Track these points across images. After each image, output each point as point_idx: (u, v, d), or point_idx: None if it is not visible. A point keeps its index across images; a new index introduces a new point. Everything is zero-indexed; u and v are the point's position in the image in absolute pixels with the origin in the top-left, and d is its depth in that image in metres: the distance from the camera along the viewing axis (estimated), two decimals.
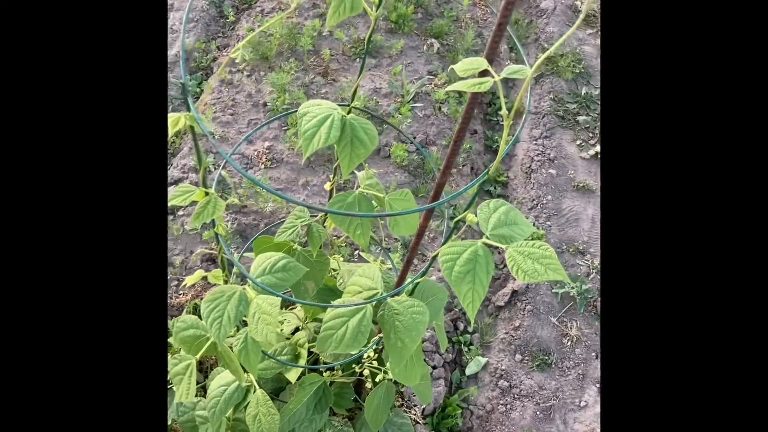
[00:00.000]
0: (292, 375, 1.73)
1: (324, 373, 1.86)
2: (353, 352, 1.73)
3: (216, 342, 1.48)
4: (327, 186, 1.65)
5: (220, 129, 3.09)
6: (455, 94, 3.49)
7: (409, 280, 1.38)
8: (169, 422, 1.98)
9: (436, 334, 1.82)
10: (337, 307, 1.21)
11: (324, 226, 1.66)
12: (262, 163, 2.98)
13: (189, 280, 1.25)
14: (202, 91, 3.36)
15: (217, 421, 1.73)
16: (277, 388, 2.04)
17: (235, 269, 2.54)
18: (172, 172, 2.88)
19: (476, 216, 1.09)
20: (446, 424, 2.28)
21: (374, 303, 1.25)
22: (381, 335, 1.60)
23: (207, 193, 1.07)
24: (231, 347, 1.52)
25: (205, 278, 1.46)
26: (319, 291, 1.76)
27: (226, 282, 1.32)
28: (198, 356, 1.45)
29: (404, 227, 1.59)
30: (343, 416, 2.05)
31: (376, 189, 1.55)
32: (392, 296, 1.30)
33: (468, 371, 2.48)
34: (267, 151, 3.02)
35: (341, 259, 1.84)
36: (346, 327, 1.22)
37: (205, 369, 2.25)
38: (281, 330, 1.90)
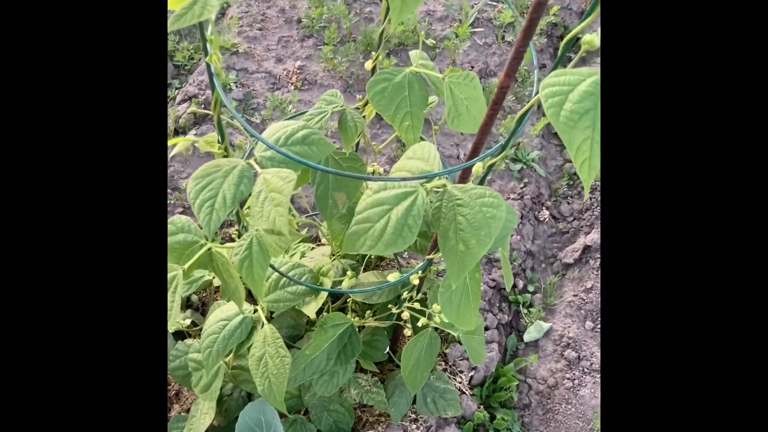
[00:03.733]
0: (311, 309, 1.43)
1: (352, 317, 1.55)
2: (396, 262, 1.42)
3: (210, 247, 1.18)
4: (368, 65, 1.34)
5: (245, 44, 2.79)
6: (520, 21, 3.12)
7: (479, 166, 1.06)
8: None
9: (502, 268, 1.50)
10: (382, 179, 0.90)
11: (363, 117, 1.35)
12: (292, 84, 2.68)
13: (175, 145, 0.96)
14: (229, 5, 3.07)
15: (214, 365, 1.44)
16: (293, 336, 1.74)
17: (237, 141, 2.24)
18: (187, 88, 2.61)
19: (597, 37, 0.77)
20: (498, 397, 1.96)
21: (429, 185, 0.93)
22: (434, 254, 1.28)
23: None
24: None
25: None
26: (350, 209, 1.45)
27: (225, 156, 1.02)
28: (187, 266, 1.16)
29: (467, 120, 1.27)
30: (372, 374, 1.75)
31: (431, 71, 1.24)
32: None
33: (527, 337, 2.15)
34: (298, 71, 2.72)
35: (381, 169, 1.53)
36: (387, 218, 0.91)
37: (206, 311, 1.97)
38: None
